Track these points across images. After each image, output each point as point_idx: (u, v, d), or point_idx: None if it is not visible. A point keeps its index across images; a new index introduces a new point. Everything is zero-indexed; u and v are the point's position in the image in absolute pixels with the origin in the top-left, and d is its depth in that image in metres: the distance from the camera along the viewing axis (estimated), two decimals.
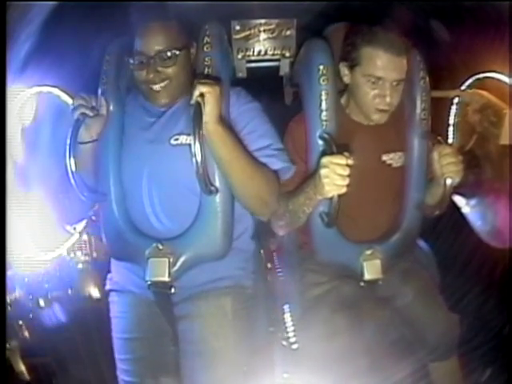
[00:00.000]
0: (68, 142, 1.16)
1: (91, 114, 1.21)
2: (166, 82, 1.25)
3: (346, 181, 1.13)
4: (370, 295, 1.47)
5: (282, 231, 1.37)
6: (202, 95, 1.08)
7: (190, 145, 1.07)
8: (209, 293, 1.32)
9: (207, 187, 1.13)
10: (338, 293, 1.48)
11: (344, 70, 1.39)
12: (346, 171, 1.12)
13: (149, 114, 1.33)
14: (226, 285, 1.34)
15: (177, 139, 1.28)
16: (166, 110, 1.31)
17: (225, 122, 1.17)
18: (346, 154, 1.14)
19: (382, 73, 1.31)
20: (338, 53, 1.41)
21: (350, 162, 1.13)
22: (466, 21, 1.70)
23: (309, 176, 1.29)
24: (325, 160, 1.15)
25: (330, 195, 1.17)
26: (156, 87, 1.25)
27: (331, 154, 1.18)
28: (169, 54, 1.22)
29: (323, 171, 1.14)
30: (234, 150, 1.17)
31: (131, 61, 1.25)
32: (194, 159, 1.06)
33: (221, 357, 1.27)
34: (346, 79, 1.40)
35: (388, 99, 1.33)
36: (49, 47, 1.42)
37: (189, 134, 1.17)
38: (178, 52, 1.23)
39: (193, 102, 1.08)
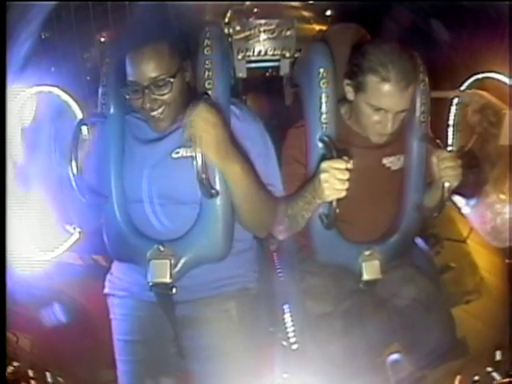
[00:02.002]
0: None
1: None
2: (163, 108, 1.22)
3: (346, 185, 1.14)
4: (368, 296, 1.47)
5: (282, 236, 1.38)
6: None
7: (191, 156, 1.08)
8: (213, 298, 1.33)
9: (208, 190, 1.14)
10: (337, 293, 1.49)
11: (348, 88, 1.37)
12: (346, 176, 1.13)
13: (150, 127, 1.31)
14: (230, 289, 1.36)
15: (177, 152, 1.28)
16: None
17: (228, 146, 1.12)
18: (346, 158, 1.15)
19: (386, 105, 1.28)
20: (338, 55, 1.40)
21: (350, 166, 1.13)
22: (465, 21, 1.70)
23: (307, 180, 1.29)
24: (325, 165, 1.15)
25: (329, 199, 1.17)
26: (154, 113, 1.22)
27: (331, 158, 1.19)
28: (163, 82, 1.19)
29: (323, 176, 1.15)
30: (242, 175, 1.17)
31: (125, 91, 1.22)
32: (194, 162, 1.07)
33: (231, 360, 1.30)
34: (350, 96, 1.38)
35: (389, 127, 1.32)
36: (49, 47, 1.42)
37: (190, 146, 1.16)
38: (172, 79, 1.19)
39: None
